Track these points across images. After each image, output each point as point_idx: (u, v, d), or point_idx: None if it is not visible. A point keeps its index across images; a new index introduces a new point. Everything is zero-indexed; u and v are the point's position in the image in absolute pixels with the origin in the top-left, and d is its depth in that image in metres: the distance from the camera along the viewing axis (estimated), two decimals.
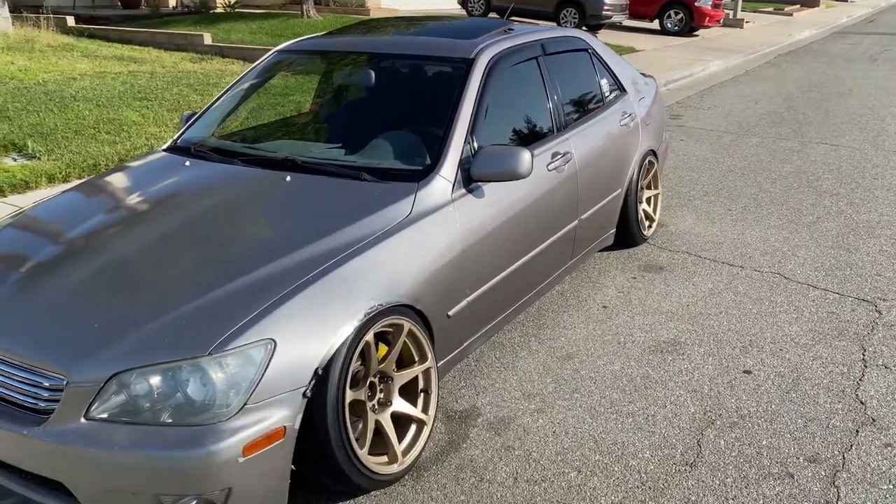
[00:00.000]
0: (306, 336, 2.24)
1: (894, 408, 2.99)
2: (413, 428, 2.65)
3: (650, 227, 4.83)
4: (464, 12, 17.43)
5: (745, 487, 2.54)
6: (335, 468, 2.33)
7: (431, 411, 2.70)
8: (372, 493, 2.52)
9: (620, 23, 17.58)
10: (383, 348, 2.58)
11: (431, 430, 2.70)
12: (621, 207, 4.44)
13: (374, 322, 2.42)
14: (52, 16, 12.48)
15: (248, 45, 11.65)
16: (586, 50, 4.35)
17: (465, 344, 3.05)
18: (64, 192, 3.20)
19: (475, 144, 3.10)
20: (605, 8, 15.71)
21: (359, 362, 2.46)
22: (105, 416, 2.08)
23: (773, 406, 3.01)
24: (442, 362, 2.90)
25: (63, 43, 11.09)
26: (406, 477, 2.60)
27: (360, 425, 2.48)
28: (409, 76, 3.62)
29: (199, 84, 8.75)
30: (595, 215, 4.03)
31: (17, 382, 2.20)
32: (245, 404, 2.10)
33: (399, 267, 2.59)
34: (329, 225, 2.62)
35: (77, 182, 5.26)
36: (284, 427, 2.17)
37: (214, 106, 3.73)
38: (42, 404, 2.15)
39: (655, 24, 18.16)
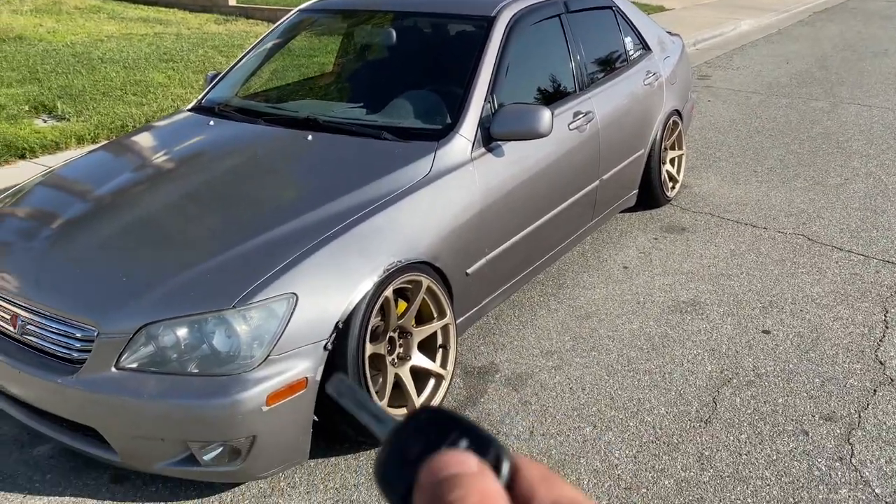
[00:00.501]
0: (327, 291, 2.29)
1: None
2: (431, 382, 2.71)
3: (673, 188, 4.79)
4: None
5: (759, 444, 2.57)
6: (356, 419, 2.40)
7: (450, 366, 2.76)
8: None
9: None
10: (403, 304, 2.63)
11: (450, 384, 2.76)
12: (644, 168, 4.41)
13: (393, 278, 2.47)
14: None
15: (273, 5, 11.62)
16: (610, 7, 4.29)
17: (483, 302, 3.09)
18: (91, 151, 3.27)
19: (496, 103, 3.10)
20: None
21: (378, 317, 2.51)
22: (135, 365, 2.17)
23: (790, 365, 3.02)
24: (461, 319, 2.95)
25: (90, 5, 11.15)
26: None
27: (380, 378, 2.54)
28: (430, 35, 3.61)
29: (223, 45, 8.77)
30: (617, 176, 4.02)
31: (51, 334, 2.29)
32: (268, 356, 2.17)
33: (418, 225, 2.63)
34: (349, 183, 2.65)
35: (105, 143, 5.34)
36: (306, 378, 2.24)
37: (238, 66, 3.77)
38: (75, 354, 2.24)
39: None
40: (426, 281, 2.62)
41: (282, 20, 3.95)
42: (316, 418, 2.37)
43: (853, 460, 2.48)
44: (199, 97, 3.64)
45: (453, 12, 3.44)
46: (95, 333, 2.18)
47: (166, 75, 7.29)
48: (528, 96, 3.43)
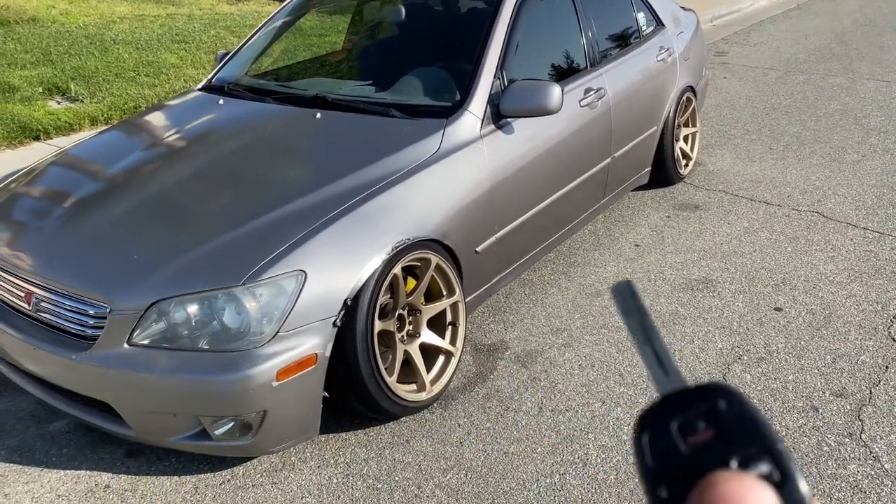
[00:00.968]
0: (336, 268, 2.30)
1: None
2: (441, 359, 2.73)
3: (687, 165, 4.75)
4: None
5: (769, 420, 2.56)
6: (365, 395, 2.43)
7: (459, 343, 2.77)
8: (401, 419, 2.62)
9: None
10: (412, 282, 2.65)
11: (459, 361, 2.77)
12: (657, 145, 4.37)
13: (402, 256, 2.48)
14: None
15: None
16: None
17: (493, 280, 3.10)
18: (102, 131, 3.29)
19: (506, 80, 3.08)
20: None
21: (388, 295, 2.53)
22: (146, 342, 2.20)
23: (802, 342, 3.01)
24: (470, 297, 2.95)
25: None
26: (434, 405, 2.69)
27: (390, 355, 2.56)
28: (439, 11, 3.59)
29: (235, 26, 8.76)
30: (629, 153, 3.99)
31: (65, 311, 2.33)
32: (278, 332, 2.19)
33: (426, 202, 2.63)
34: (358, 161, 2.66)
35: (115, 123, 5.37)
36: (316, 354, 2.26)
37: (248, 45, 3.76)
38: (89, 331, 2.28)
39: None
40: (435, 259, 2.62)
41: None
42: (326, 394, 2.39)
43: (863, 436, 2.47)
44: (209, 76, 3.65)
45: None
46: (108, 310, 2.21)
47: (178, 56, 7.30)
48: (538, 73, 3.40)
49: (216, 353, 2.17)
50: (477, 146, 2.88)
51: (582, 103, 3.47)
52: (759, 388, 2.74)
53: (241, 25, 8.79)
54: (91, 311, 2.27)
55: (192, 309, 2.19)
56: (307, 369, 2.25)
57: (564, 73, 3.52)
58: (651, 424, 0.39)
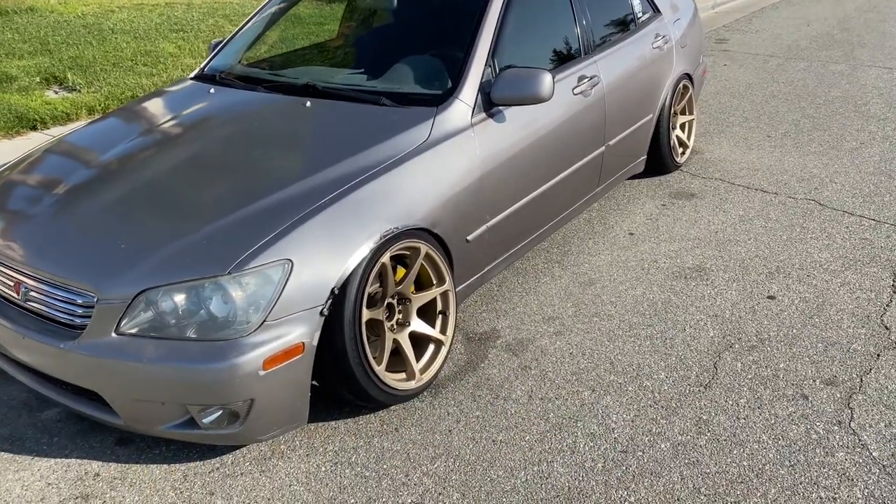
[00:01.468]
0: (323, 257, 2.30)
1: None
2: (431, 347, 2.73)
3: (683, 153, 4.73)
4: None
5: (758, 408, 2.57)
6: (354, 383, 2.43)
7: (449, 332, 2.77)
8: (391, 407, 2.63)
9: None
10: (402, 270, 2.64)
11: (449, 349, 2.77)
12: (653, 133, 4.35)
13: (390, 245, 2.47)
14: None
15: None
16: None
17: (485, 269, 3.09)
18: (93, 121, 3.29)
19: (497, 68, 3.06)
20: None
21: (377, 284, 2.53)
22: (134, 331, 2.20)
23: (794, 331, 3.00)
24: (462, 286, 2.95)
25: None
26: (424, 393, 2.70)
27: (380, 344, 2.56)
28: None
29: (234, 15, 8.74)
30: (624, 141, 3.97)
31: (53, 300, 2.33)
32: (264, 321, 2.19)
33: (416, 191, 2.63)
34: (346, 149, 2.65)
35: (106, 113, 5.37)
36: (303, 343, 2.26)
37: (242, 34, 3.75)
38: (77, 320, 2.28)
39: None
40: (424, 247, 2.62)
41: None
42: (315, 383, 2.40)
43: (852, 424, 2.47)
44: (202, 65, 3.64)
45: None
46: (95, 299, 2.22)
47: (176, 45, 7.28)
48: (531, 60, 3.38)
49: (203, 342, 2.17)
50: (468, 134, 2.87)
51: (575, 91, 3.46)
52: (750, 376, 2.73)
53: (240, 14, 8.76)
54: (79, 301, 2.27)
55: (180, 298, 2.20)
56: (294, 358, 2.25)
57: (558, 61, 3.50)
58: None
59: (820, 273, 3.43)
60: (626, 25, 4.11)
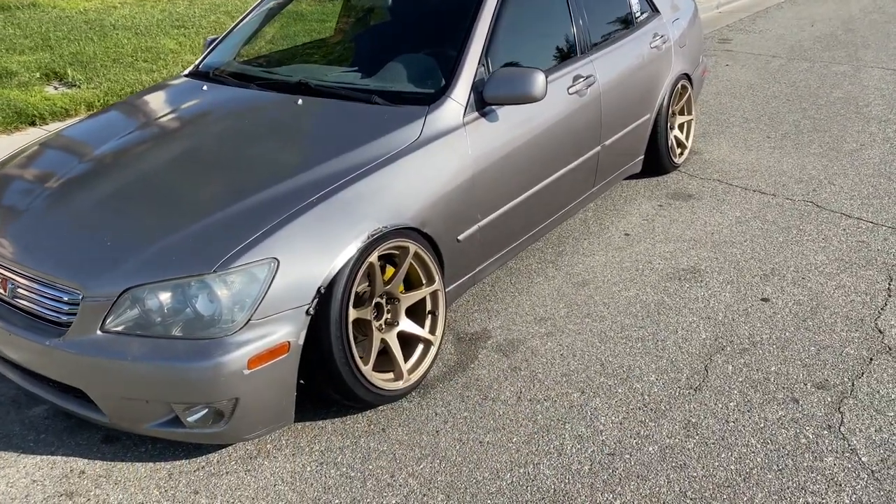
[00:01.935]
0: (309, 256, 2.29)
1: None
2: (420, 347, 2.72)
3: (681, 154, 4.71)
4: None
5: (748, 411, 2.55)
6: (340, 383, 2.42)
7: (438, 332, 2.76)
8: (379, 407, 2.62)
9: None
10: (391, 270, 2.63)
11: (438, 350, 2.76)
12: (650, 134, 4.33)
13: (378, 244, 2.46)
14: None
15: None
16: None
17: (477, 269, 3.08)
18: (84, 118, 3.28)
19: (491, 67, 3.05)
20: None
21: (366, 283, 2.52)
22: (119, 328, 2.20)
23: (786, 333, 2.98)
24: (453, 286, 2.94)
25: None
26: (413, 393, 2.68)
27: (368, 343, 2.55)
28: None
29: (236, 11, 8.73)
30: (620, 141, 3.95)
31: (40, 297, 2.33)
32: (249, 320, 2.18)
33: (406, 190, 2.61)
34: (336, 148, 2.64)
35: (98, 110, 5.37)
36: (288, 342, 2.25)
37: (237, 31, 3.74)
38: (63, 318, 2.28)
39: None
40: (413, 247, 2.61)
41: None
42: (302, 382, 2.39)
43: (842, 429, 2.45)
44: (197, 62, 3.64)
45: None
46: (80, 297, 2.21)
47: (177, 42, 7.28)
48: (526, 59, 3.36)
49: (188, 340, 2.17)
50: (460, 133, 2.86)
51: (570, 91, 3.44)
52: (741, 379, 2.72)
53: (241, 11, 8.74)
54: (65, 298, 2.26)
55: (165, 296, 2.19)
56: (279, 357, 2.24)
57: (553, 60, 3.48)
58: None
59: (815, 276, 3.41)
60: (623, 25, 4.09)
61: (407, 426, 2.54)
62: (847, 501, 2.17)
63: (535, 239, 3.48)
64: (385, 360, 2.62)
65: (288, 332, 2.24)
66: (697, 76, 4.88)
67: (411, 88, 3.01)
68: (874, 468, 2.28)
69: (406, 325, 2.67)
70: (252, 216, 2.33)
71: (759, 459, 2.34)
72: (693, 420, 2.52)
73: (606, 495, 2.22)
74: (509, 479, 2.29)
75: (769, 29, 9.02)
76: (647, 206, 4.19)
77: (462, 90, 2.92)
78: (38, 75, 6.09)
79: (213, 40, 3.77)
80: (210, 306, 2.18)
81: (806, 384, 2.68)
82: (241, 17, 3.81)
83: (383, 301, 2.62)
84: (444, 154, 2.78)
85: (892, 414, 2.51)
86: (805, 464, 2.31)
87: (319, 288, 2.30)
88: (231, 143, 2.77)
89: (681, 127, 4.72)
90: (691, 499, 2.20)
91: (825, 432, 2.44)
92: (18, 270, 2.35)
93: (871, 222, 3.92)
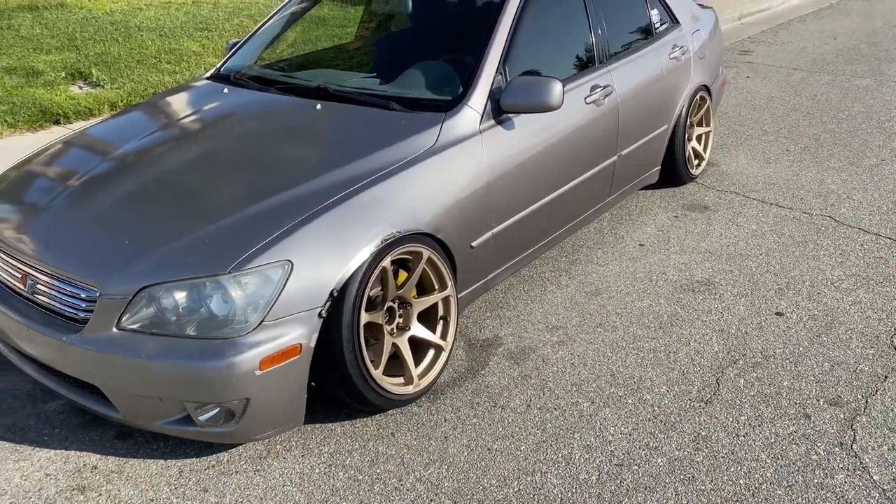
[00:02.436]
0: (323, 259, 2.31)
1: None
2: (431, 353, 2.73)
3: (699, 165, 4.69)
4: None
5: (759, 426, 2.53)
6: (351, 386, 2.44)
7: (450, 338, 2.77)
8: (388, 411, 2.63)
9: None
10: (404, 274, 2.65)
11: (449, 355, 2.77)
12: (668, 144, 4.32)
13: (392, 248, 2.48)
14: None
15: None
16: None
17: (490, 275, 3.09)
18: (104, 119, 3.34)
19: (508, 75, 3.06)
20: None
21: (378, 287, 2.54)
22: (135, 326, 2.23)
23: (800, 348, 2.96)
24: (465, 292, 2.95)
25: None
26: (422, 398, 2.70)
27: (379, 347, 2.57)
28: (449, 3, 3.58)
29: (260, 14, 8.82)
30: (637, 152, 3.95)
31: (58, 293, 2.37)
32: (262, 321, 2.20)
33: (420, 196, 2.63)
34: (353, 153, 2.66)
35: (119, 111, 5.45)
36: (300, 344, 2.27)
37: (258, 35, 3.78)
38: (80, 314, 2.31)
39: None
40: (427, 252, 2.62)
41: None
42: (313, 384, 2.41)
43: (854, 446, 2.43)
44: (219, 65, 3.68)
45: None
46: (97, 294, 2.25)
47: (200, 44, 7.37)
48: (543, 68, 3.37)
49: (202, 339, 2.19)
50: (475, 141, 2.87)
51: (588, 100, 3.44)
52: (752, 393, 2.70)
53: (265, 14, 8.83)
54: (83, 295, 2.30)
55: (180, 296, 2.22)
56: (291, 359, 2.26)
57: (571, 70, 3.49)
58: None
59: (831, 291, 3.38)
60: (643, 35, 4.09)
61: (416, 431, 2.55)
62: None
63: (549, 247, 3.48)
64: (396, 365, 2.63)
65: (300, 334, 2.26)
66: (716, 88, 4.86)
67: (429, 95, 3.03)
68: (885, 487, 2.26)
69: (417, 329, 2.69)
70: (267, 218, 2.35)
71: (768, 475, 2.32)
72: (703, 433, 2.51)
73: None
74: (516, 487, 2.30)
75: (791, 41, 8.97)
76: (662, 217, 4.17)
77: (479, 98, 2.93)
78: (63, 75, 6.19)
79: (235, 44, 3.81)
80: (224, 307, 2.21)
81: (818, 400, 2.66)
82: (263, 21, 3.86)
83: (395, 305, 2.63)
84: (459, 161, 2.79)
85: None
86: (815, 481, 2.29)
87: (332, 291, 2.32)
88: (249, 145, 2.80)
89: (699, 138, 4.71)
90: None
91: (837, 449, 2.42)
92: (39, 267, 2.39)
93: (890, 238, 3.88)
